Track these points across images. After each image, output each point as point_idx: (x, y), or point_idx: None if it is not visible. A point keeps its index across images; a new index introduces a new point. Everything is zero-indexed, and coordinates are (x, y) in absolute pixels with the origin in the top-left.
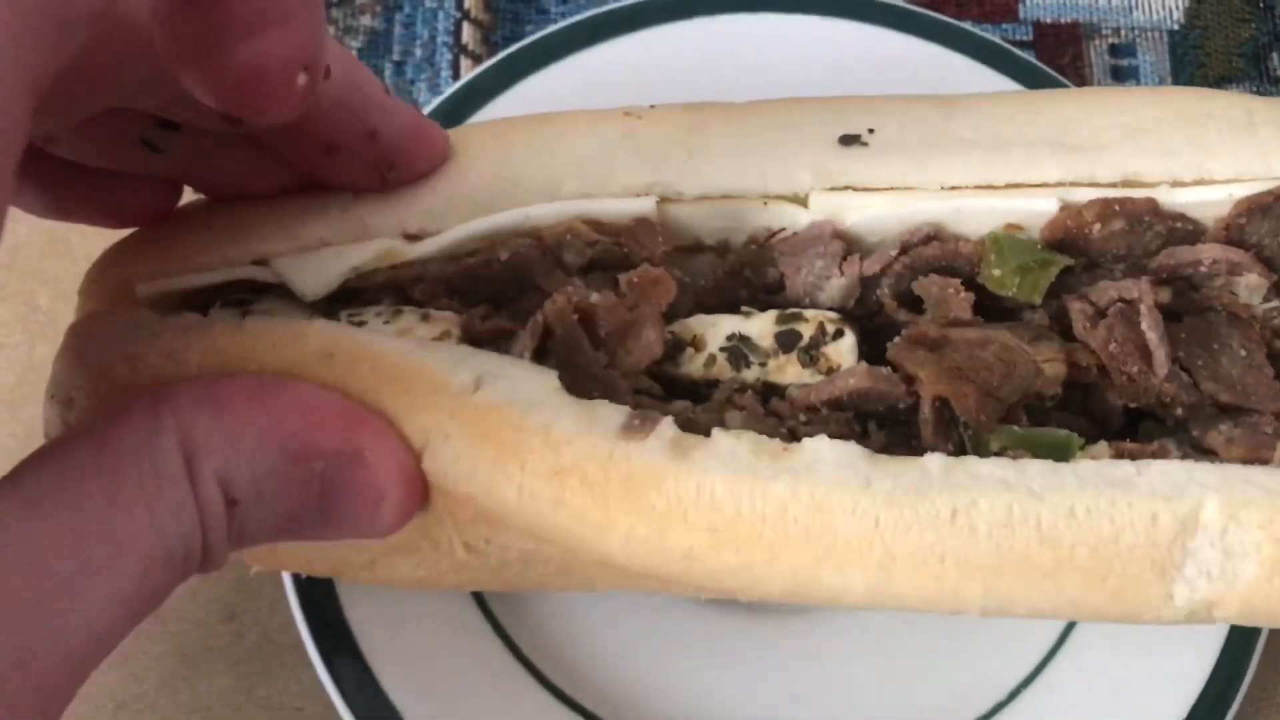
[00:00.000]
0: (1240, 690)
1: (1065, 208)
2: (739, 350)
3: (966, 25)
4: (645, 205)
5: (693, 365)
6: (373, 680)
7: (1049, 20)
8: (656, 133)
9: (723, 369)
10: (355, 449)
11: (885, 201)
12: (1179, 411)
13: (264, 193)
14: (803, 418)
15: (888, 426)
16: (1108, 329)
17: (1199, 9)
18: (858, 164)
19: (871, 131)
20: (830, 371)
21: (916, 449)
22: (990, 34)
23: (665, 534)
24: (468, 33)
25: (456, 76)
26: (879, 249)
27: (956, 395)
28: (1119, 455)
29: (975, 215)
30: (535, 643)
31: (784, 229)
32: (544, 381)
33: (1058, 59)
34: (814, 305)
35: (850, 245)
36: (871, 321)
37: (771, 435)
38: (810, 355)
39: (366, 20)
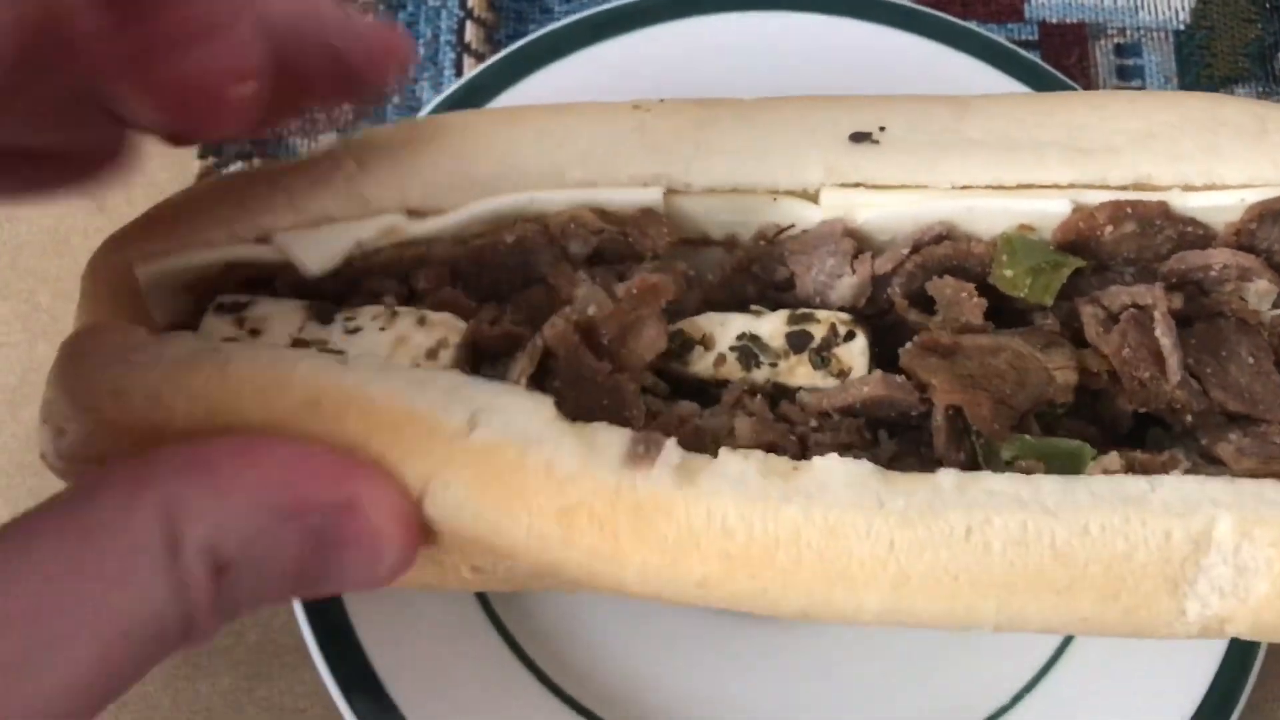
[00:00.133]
0: (1245, 689)
1: (1078, 209)
2: (749, 350)
3: (972, 25)
4: (652, 195)
5: (701, 364)
6: (375, 680)
7: (1054, 20)
8: (665, 125)
9: (732, 368)
10: (348, 499)
11: (896, 200)
12: (1188, 419)
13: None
14: (813, 423)
15: (899, 433)
16: (1121, 334)
17: (1205, 9)
18: (868, 161)
19: (882, 129)
20: (842, 374)
21: (927, 456)
22: (995, 34)
23: (678, 564)
24: (471, 31)
25: (459, 75)
26: (890, 248)
27: (970, 404)
28: (1130, 465)
29: (987, 215)
30: (538, 642)
31: (793, 225)
32: (540, 411)
33: (1063, 59)
34: (824, 304)
35: (861, 243)
36: (882, 320)
37: (781, 442)
38: (822, 357)
39: (369, 19)
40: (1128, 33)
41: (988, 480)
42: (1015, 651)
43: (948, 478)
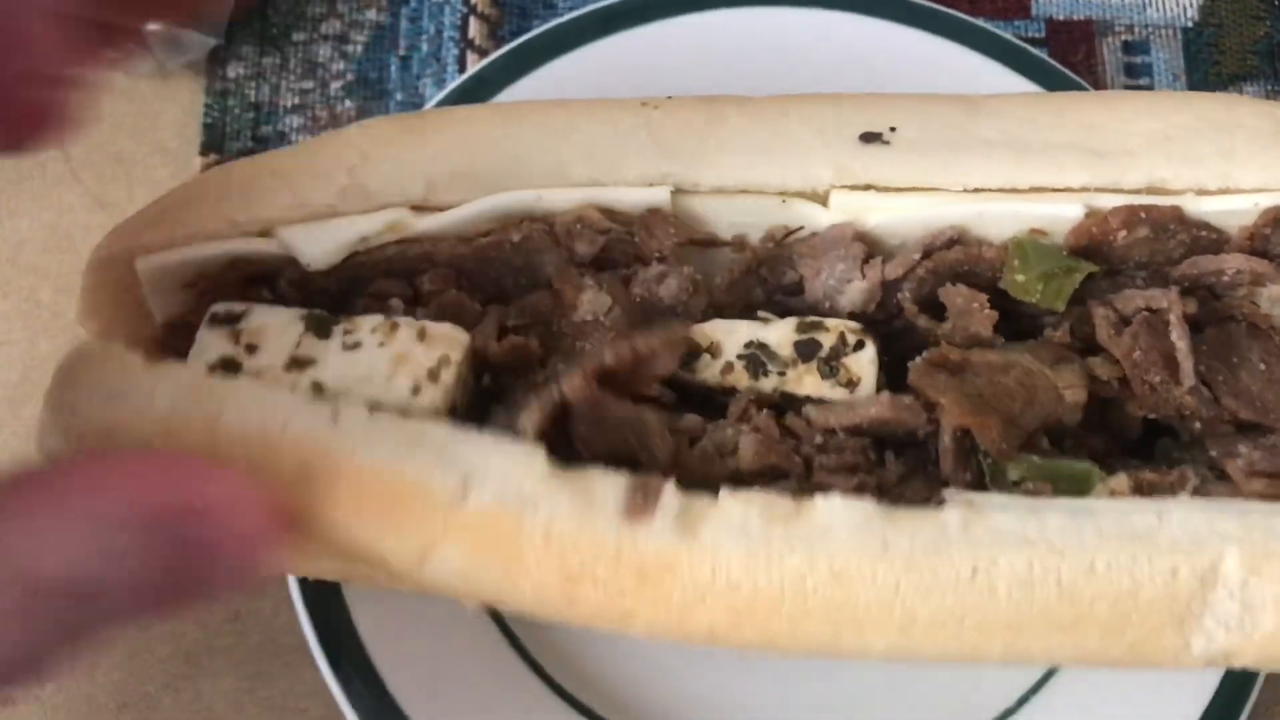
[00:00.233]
0: (1255, 689)
1: (1091, 214)
2: (757, 358)
3: (979, 22)
4: (659, 195)
5: (709, 372)
6: (378, 681)
7: (1062, 17)
8: (673, 123)
9: (740, 376)
10: (202, 501)
11: (907, 203)
12: (1196, 426)
13: None
14: (819, 440)
15: (905, 451)
16: (1132, 336)
17: (1213, 6)
18: (879, 163)
19: (893, 130)
20: (850, 383)
21: (933, 475)
22: (1003, 31)
23: (685, 619)
24: (474, 27)
25: (463, 71)
26: (901, 252)
27: (980, 427)
28: (1138, 486)
29: (999, 219)
30: (539, 640)
31: (802, 227)
32: (532, 467)
33: (1070, 56)
34: (834, 308)
35: (871, 247)
36: (891, 325)
37: (785, 465)
38: (830, 366)
39: (372, 14)
40: (1135, 30)
41: (993, 517)
42: None
43: (953, 515)
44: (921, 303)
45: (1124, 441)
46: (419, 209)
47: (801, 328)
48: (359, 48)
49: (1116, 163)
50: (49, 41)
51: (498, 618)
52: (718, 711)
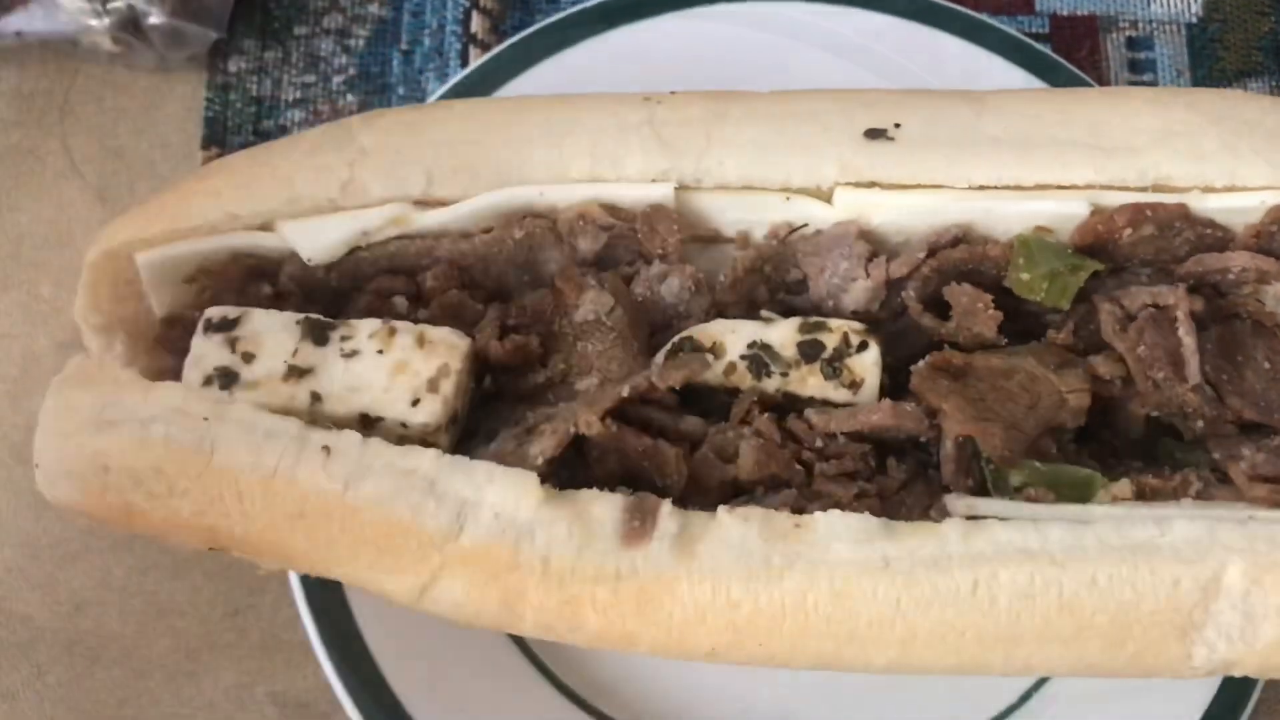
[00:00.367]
0: (1256, 689)
1: (1096, 212)
2: (760, 359)
3: (983, 17)
4: (662, 191)
5: (711, 372)
6: (379, 677)
7: (1065, 13)
8: (676, 118)
9: (743, 377)
10: None
11: (912, 200)
12: (1199, 425)
13: None
14: (820, 443)
15: (907, 455)
16: (1138, 332)
17: (1217, 2)
18: (884, 159)
19: (898, 126)
20: (853, 385)
21: (935, 480)
22: (1007, 26)
23: (686, 639)
24: (477, 21)
25: (465, 66)
26: (905, 250)
27: (982, 433)
28: (1141, 491)
29: (1004, 216)
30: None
31: (806, 224)
32: (526, 493)
33: (1074, 52)
34: (837, 307)
35: (875, 245)
36: (895, 323)
37: (785, 474)
38: (833, 367)
39: (374, 8)
40: (1139, 26)
41: (994, 529)
42: None
43: (953, 528)
44: (926, 301)
45: (1126, 442)
46: (421, 204)
47: (805, 328)
48: (361, 42)
49: (1122, 159)
50: None
51: None
52: (721, 708)
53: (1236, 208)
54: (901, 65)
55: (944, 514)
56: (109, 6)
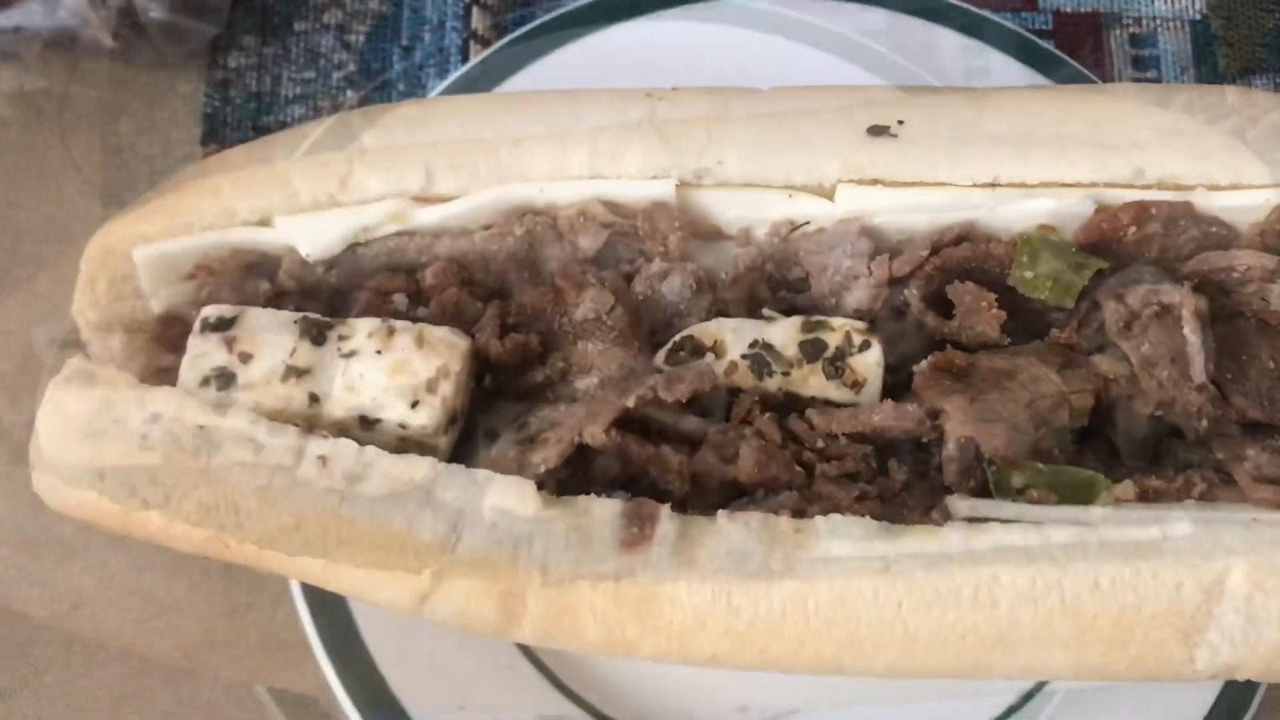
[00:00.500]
0: (1258, 692)
1: (1100, 210)
2: (762, 358)
3: (986, 13)
4: (664, 189)
5: (713, 374)
6: (378, 676)
7: (1069, 10)
8: (678, 115)
9: (744, 376)
10: None
11: (914, 197)
12: (1203, 424)
13: None
14: (821, 444)
15: (908, 456)
16: (1142, 330)
17: None
18: (886, 156)
19: (901, 123)
20: (855, 384)
21: (937, 481)
22: (1010, 22)
23: (687, 645)
24: (477, 17)
25: (466, 61)
26: (908, 248)
27: (985, 435)
28: (1144, 493)
29: (1007, 214)
30: None
31: (808, 222)
32: (523, 500)
33: (1077, 49)
34: (839, 305)
35: (878, 243)
36: (897, 322)
37: (785, 476)
38: (835, 367)
39: (374, 4)
40: (1143, 22)
41: (995, 532)
42: None
43: (954, 531)
44: (929, 300)
45: (1130, 442)
46: (420, 200)
47: (806, 327)
48: (361, 37)
49: (1127, 157)
50: None
51: None
52: (723, 705)
53: (1241, 206)
54: (903, 62)
55: (946, 515)
56: (108, 2)
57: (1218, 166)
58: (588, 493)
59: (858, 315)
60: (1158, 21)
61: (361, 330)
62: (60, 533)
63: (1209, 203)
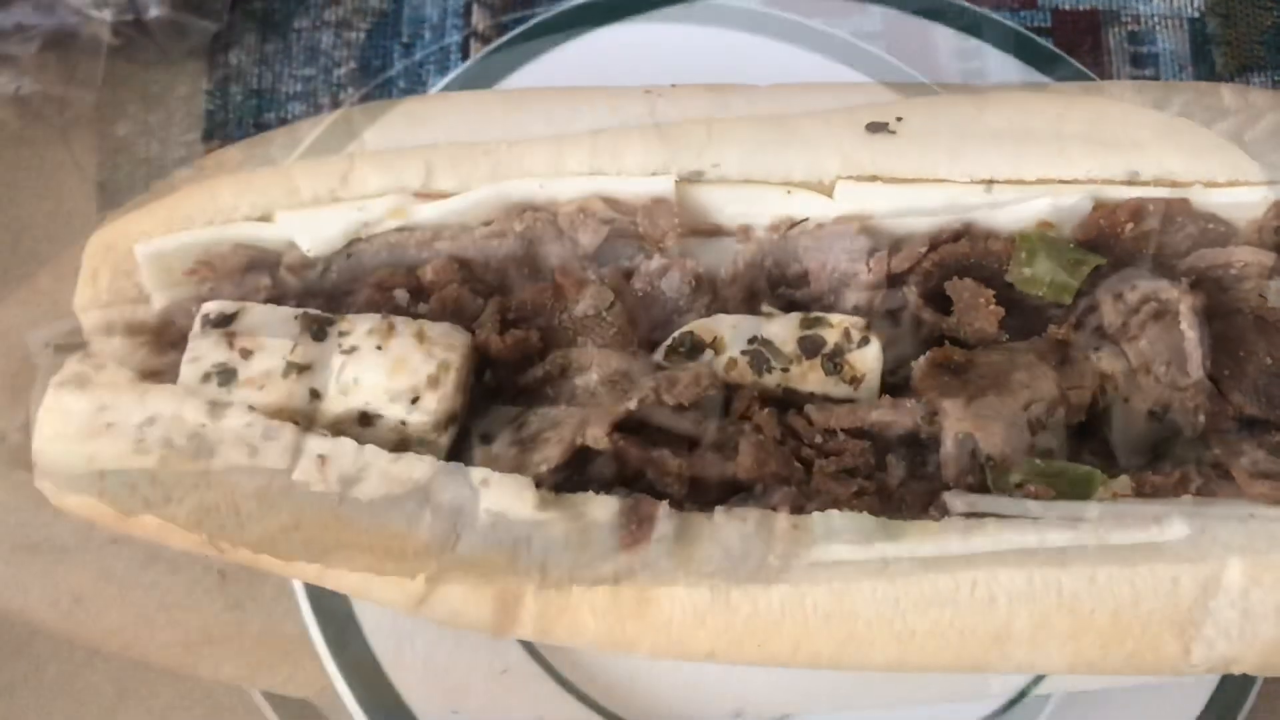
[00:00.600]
0: (1255, 686)
1: (1099, 207)
2: (761, 354)
3: (985, 11)
4: (663, 185)
5: (712, 370)
6: (379, 670)
7: (1067, 8)
8: (677, 112)
9: (743, 373)
10: None
11: (913, 194)
12: (1201, 420)
13: None
14: (819, 440)
15: (906, 452)
16: (1140, 327)
17: None
18: (885, 153)
19: (900, 120)
20: (854, 380)
21: (935, 478)
22: (1009, 21)
23: (686, 642)
24: (477, 14)
25: (466, 59)
26: (907, 244)
27: (983, 431)
28: (1140, 488)
29: (1006, 210)
30: None
31: (806, 218)
32: (522, 499)
33: (1076, 46)
34: (838, 302)
35: (876, 239)
36: (895, 318)
37: (784, 471)
38: (834, 363)
39: (375, 2)
40: (1141, 20)
41: (993, 528)
42: None
43: (952, 527)
44: (927, 296)
45: (1127, 438)
46: (421, 196)
47: (805, 323)
48: (361, 34)
49: (1125, 153)
50: None
51: None
52: (723, 702)
53: (1239, 203)
54: (902, 61)
55: (944, 511)
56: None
57: (1216, 163)
58: (585, 491)
59: (856, 312)
60: (1156, 19)
61: (362, 327)
62: (60, 530)
63: (1206, 200)
